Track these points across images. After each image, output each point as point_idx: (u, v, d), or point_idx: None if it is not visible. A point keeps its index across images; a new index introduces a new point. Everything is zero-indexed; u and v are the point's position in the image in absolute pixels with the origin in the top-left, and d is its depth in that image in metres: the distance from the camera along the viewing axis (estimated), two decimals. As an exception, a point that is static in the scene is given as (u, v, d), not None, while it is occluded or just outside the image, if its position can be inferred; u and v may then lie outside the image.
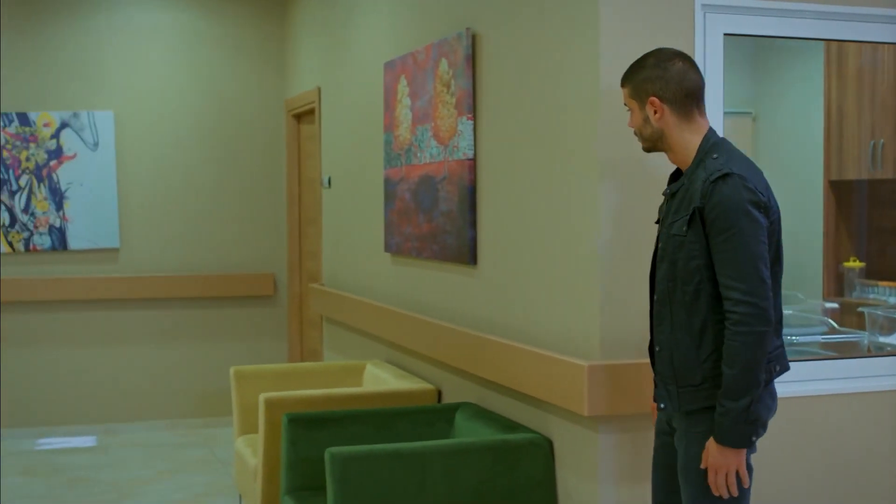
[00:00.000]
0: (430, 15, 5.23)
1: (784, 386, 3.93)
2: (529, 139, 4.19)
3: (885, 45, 4.83)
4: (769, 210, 3.07)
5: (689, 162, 3.15)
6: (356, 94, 6.45)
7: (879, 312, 5.61)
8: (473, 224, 4.71)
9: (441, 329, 4.94)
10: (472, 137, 4.69)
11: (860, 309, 5.90)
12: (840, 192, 6.78)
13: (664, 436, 3.32)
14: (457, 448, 3.97)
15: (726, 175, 3.01)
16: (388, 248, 5.79)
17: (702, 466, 3.08)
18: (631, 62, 3.39)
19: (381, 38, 5.95)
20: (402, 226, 5.55)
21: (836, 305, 6.36)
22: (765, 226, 3.03)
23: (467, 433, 4.42)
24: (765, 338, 2.96)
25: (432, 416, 4.65)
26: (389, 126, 5.70)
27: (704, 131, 3.17)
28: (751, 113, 7.37)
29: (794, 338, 5.12)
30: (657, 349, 3.21)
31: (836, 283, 6.81)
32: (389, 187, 5.73)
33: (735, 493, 3.04)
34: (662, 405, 3.20)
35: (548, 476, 3.99)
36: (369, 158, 6.17)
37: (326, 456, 3.85)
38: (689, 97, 3.15)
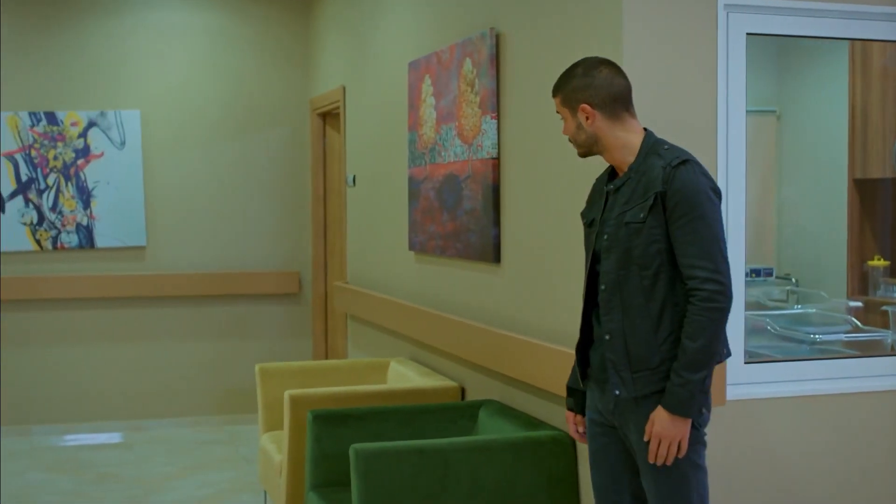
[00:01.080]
0: (453, 15, 5.26)
1: (806, 385, 3.95)
2: (553, 138, 4.21)
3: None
4: (720, 198, 3.20)
5: (628, 160, 3.25)
6: (380, 94, 6.49)
7: (903, 311, 5.60)
8: (497, 223, 4.73)
9: (465, 327, 4.97)
10: (496, 136, 4.72)
11: (884, 308, 5.90)
12: (864, 191, 6.76)
13: (602, 437, 3.35)
14: (480, 445, 4.00)
15: (686, 161, 3.14)
16: (412, 246, 5.82)
17: (645, 438, 3.15)
18: (655, 59, 3.44)
19: (406, 38, 5.98)
20: (426, 224, 5.58)
21: (860, 304, 6.34)
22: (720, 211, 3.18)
23: (491, 430, 4.45)
24: (727, 315, 3.09)
25: (455, 413, 4.68)
26: (414, 125, 5.74)
27: (639, 129, 3.28)
28: (775, 111, 7.36)
29: (816, 336, 5.12)
30: (606, 338, 3.25)
31: (861, 282, 6.80)
32: (413, 186, 5.76)
33: (670, 462, 3.13)
34: (617, 391, 3.22)
35: (570, 473, 4.01)
36: (394, 157, 6.20)
37: (351, 452, 3.88)
38: (617, 101, 3.25)
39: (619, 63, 3.67)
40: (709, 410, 3.22)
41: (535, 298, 4.40)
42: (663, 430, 3.11)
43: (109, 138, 8.00)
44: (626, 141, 3.26)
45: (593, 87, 3.24)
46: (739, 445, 3.81)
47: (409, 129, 5.81)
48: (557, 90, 3.33)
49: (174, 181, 8.19)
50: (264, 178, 8.33)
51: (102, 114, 7.98)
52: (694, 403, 3.10)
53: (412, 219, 5.80)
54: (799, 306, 6.23)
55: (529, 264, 4.46)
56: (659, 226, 3.13)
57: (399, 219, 6.11)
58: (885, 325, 5.74)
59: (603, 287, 3.28)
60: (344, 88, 7.30)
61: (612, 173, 3.36)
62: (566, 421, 3.53)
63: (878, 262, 6.61)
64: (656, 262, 3.14)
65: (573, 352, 3.92)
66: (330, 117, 8.11)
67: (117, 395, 8.11)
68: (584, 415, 3.47)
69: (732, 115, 3.84)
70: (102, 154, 7.99)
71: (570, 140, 3.35)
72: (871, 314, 6.27)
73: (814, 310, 5.98)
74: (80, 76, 8.00)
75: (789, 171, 7.54)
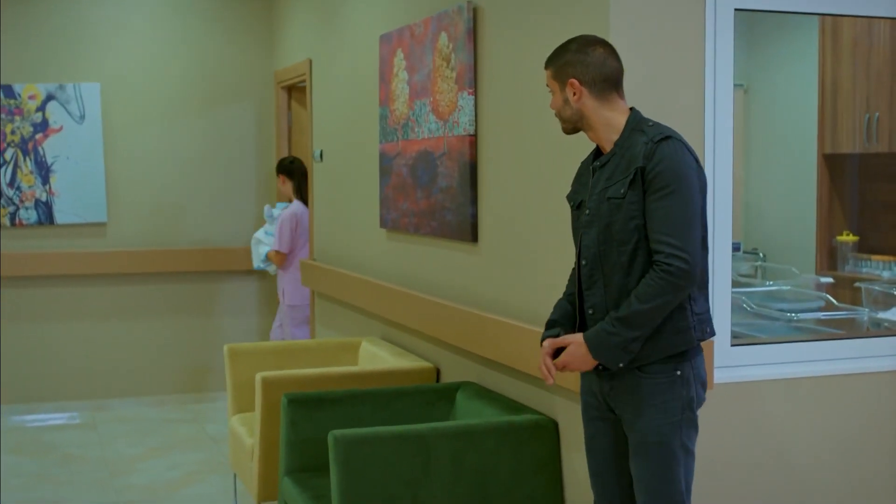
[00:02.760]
0: (427, -13, 5.14)
1: (796, 367, 3.90)
2: (534, 115, 4.12)
3: (881, 19, 4.78)
4: (704, 177, 3.19)
5: (612, 138, 3.23)
6: (349, 67, 6.36)
7: (876, 288, 5.59)
8: (474, 201, 4.64)
9: (440, 307, 4.88)
10: (473, 113, 4.62)
11: (857, 284, 5.88)
12: (834, 166, 6.75)
13: (598, 421, 3.33)
14: (462, 430, 3.92)
15: (669, 137, 3.13)
16: (383, 223, 5.71)
17: (558, 362, 3.21)
18: (642, 35, 3.40)
19: (376, 10, 5.85)
20: (398, 201, 5.47)
21: (830, 280, 6.34)
22: (700, 189, 3.14)
23: (470, 414, 4.37)
24: (683, 293, 3.07)
25: (433, 395, 4.59)
26: (385, 100, 5.62)
27: (625, 110, 3.26)
28: (742, 85, 7.32)
29: (793, 315, 5.09)
30: (590, 312, 3.24)
31: (830, 258, 6.79)
32: (385, 162, 5.65)
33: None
34: (601, 367, 3.21)
35: (554, 458, 3.95)
36: (363, 132, 6.08)
37: (330, 439, 3.79)
38: (608, 81, 3.24)
39: (606, 38, 3.59)
40: (704, 390, 3.21)
41: (514, 278, 4.31)
42: (573, 359, 3.19)
43: (69, 112, 7.81)
44: (611, 120, 3.23)
45: (585, 63, 3.22)
46: (728, 429, 3.76)
47: (381, 103, 5.69)
48: (550, 63, 3.31)
49: (136, 156, 8.02)
50: (228, 152, 8.19)
51: (61, 87, 7.80)
52: (612, 355, 3.12)
53: (383, 195, 5.69)
54: (770, 282, 6.20)
55: (508, 244, 4.37)
56: (638, 201, 3.11)
57: (369, 195, 5.99)
58: (855, 301, 5.73)
59: (584, 262, 3.27)
60: (310, 61, 7.16)
61: (597, 152, 3.33)
62: (543, 352, 3.31)
63: (847, 238, 6.61)
64: (634, 238, 3.12)
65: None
66: (296, 91, 7.97)
67: (79, 374, 7.97)
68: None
69: (720, 92, 3.78)
70: (61, 128, 7.81)
71: (556, 115, 3.32)
72: (842, 289, 6.26)
73: (788, 287, 5.95)
74: (37, 48, 7.79)
75: (757, 146, 7.50)
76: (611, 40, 3.56)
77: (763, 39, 7.14)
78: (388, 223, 5.63)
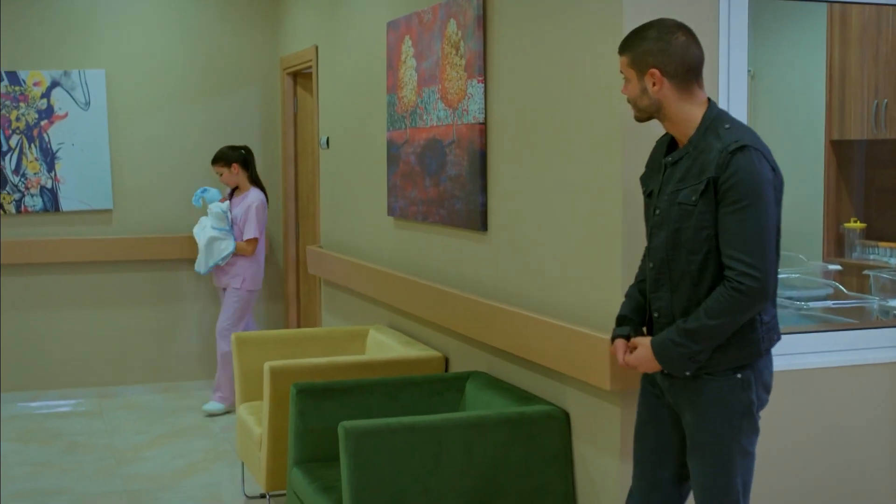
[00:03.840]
0: (436, -26, 5.11)
1: (803, 358, 3.89)
2: (545, 103, 4.08)
3: (889, 6, 4.76)
4: (781, 184, 3.09)
5: (688, 132, 3.14)
6: (356, 54, 6.32)
7: (885, 275, 5.57)
8: (484, 189, 4.61)
9: (448, 295, 4.86)
10: (482, 101, 4.58)
11: (866, 272, 5.86)
12: (841, 153, 6.72)
13: (653, 410, 3.31)
14: (473, 421, 3.90)
15: (745, 147, 3.00)
16: (391, 211, 5.69)
17: (626, 359, 3.23)
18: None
19: (383, -3, 5.82)
20: (406, 189, 5.45)
21: (838, 267, 6.32)
22: (776, 200, 3.05)
23: (480, 404, 4.35)
24: (753, 311, 3.01)
25: (442, 385, 4.57)
26: (393, 87, 5.59)
27: (704, 102, 3.16)
28: (749, 70, 7.28)
29: (803, 303, 5.06)
30: (655, 315, 3.21)
31: (837, 244, 6.77)
32: (393, 150, 5.62)
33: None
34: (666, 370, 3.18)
35: (565, 449, 3.92)
36: (371, 120, 6.05)
37: (340, 430, 3.77)
38: (690, 72, 3.13)
39: (619, 25, 3.56)
40: (767, 392, 3.17)
41: (524, 268, 4.29)
42: (640, 362, 3.18)
43: (74, 98, 7.78)
44: (689, 113, 3.13)
45: (667, 52, 3.10)
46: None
47: (388, 91, 5.65)
48: (626, 49, 3.18)
49: (141, 142, 7.99)
50: (234, 138, 8.14)
51: (66, 73, 7.76)
52: (677, 364, 3.09)
53: (391, 183, 5.67)
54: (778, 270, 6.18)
55: (518, 232, 4.34)
56: (709, 211, 3.02)
57: (377, 183, 5.97)
58: (863, 288, 5.71)
59: (651, 265, 3.21)
60: (316, 48, 7.13)
61: (671, 142, 3.25)
62: (615, 350, 3.33)
63: (855, 225, 6.58)
64: (705, 248, 3.05)
65: (563, 325, 3.85)
66: (301, 77, 7.93)
67: (85, 361, 7.95)
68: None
69: (733, 76, 3.74)
70: (67, 115, 7.77)
71: (629, 101, 3.22)
72: (849, 277, 6.24)
73: (796, 274, 5.93)
74: (42, 34, 7.76)
75: (763, 132, 7.47)
76: (624, 27, 3.52)
77: (770, 26, 7.10)
78: (396, 211, 5.60)
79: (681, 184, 3.10)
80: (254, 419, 5.23)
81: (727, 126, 3.07)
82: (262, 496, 5.52)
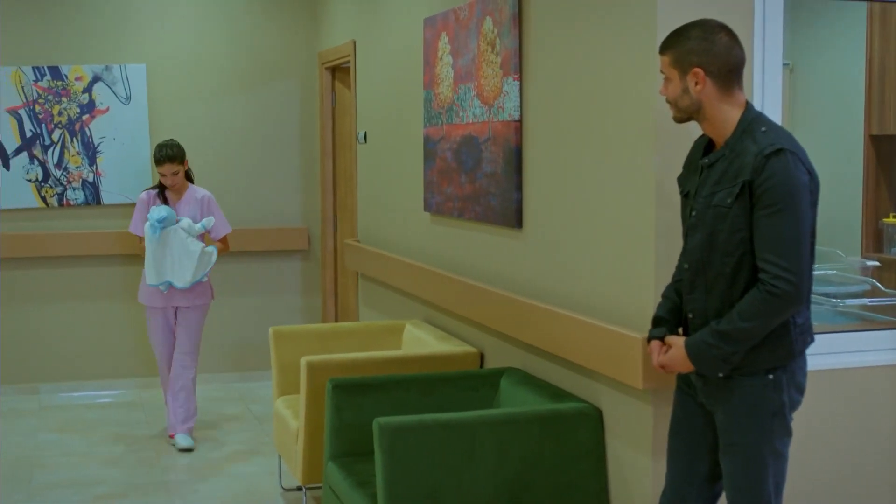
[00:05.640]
0: (472, -29, 5.12)
1: (838, 357, 3.88)
2: (581, 101, 4.10)
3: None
4: (816, 187, 3.08)
5: (726, 134, 3.14)
6: (393, 50, 6.36)
7: (924, 272, 5.53)
8: (519, 187, 4.63)
9: (483, 292, 4.89)
10: (518, 98, 4.60)
11: (904, 268, 5.83)
12: (880, 147, 6.68)
13: (687, 407, 3.32)
14: (506, 418, 3.93)
15: (780, 150, 3.00)
16: (427, 207, 5.72)
17: (659, 362, 3.25)
18: (690, 17, 3.32)
19: (421, -7, 5.85)
20: (442, 185, 5.48)
21: (876, 263, 6.28)
22: (812, 203, 3.05)
23: (514, 400, 4.38)
24: (787, 314, 3.02)
25: (477, 381, 4.60)
26: (429, 84, 5.62)
27: (742, 103, 3.16)
28: (788, 64, 7.25)
29: (839, 301, 5.04)
30: (689, 316, 3.23)
31: (875, 240, 6.73)
32: (429, 146, 5.65)
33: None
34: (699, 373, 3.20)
35: (598, 447, 3.94)
36: (408, 115, 6.08)
37: (375, 426, 3.81)
38: (732, 72, 3.14)
39: (653, 23, 3.57)
40: (801, 394, 3.17)
41: (559, 266, 4.31)
42: (674, 363, 3.21)
43: (115, 93, 7.86)
44: (728, 115, 3.14)
45: (711, 52, 3.11)
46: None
47: (425, 87, 5.68)
48: (668, 48, 3.18)
49: (181, 136, 8.01)
50: (272, 132, 8.21)
51: (107, 68, 7.84)
52: (710, 364, 3.11)
53: (427, 179, 5.70)
54: (815, 266, 6.15)
55: (553, 230, 4.36)
56: (744, 214, 3.03)
57: (413, 179, 6.00)
58: (900, 284, 5.67)
59: (687, 266, 3.24)
60: (354, 43, 7.17)
61: (708, 144, 3.26)
62: (650, 351, 3.34)
63: (894, 220, 6.54)
64: (739, 251, 3.06)
65: (597, 323, 3.87)
66: (339, 71, 7.97)
67: (126, 352, 8.05)
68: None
69: (768, 70, 3.74)
70: (108, 109, 7.86)
71: (668, 101, 3.23)
72: (887, 272, 6.20)
73: (833, 270, 5.90)
74: (84, 29, 7.85)
75: (802, 126, 7.43)
76: (658, 23, 3.53)
77: (808, 19, 7.06)
78: (433, 207, 5.64)
79: (717, 186, 3.12)
80: (290, 413, 5.28)
81: (763, 129, 3.08)
82: (299, 489, 5.57)
